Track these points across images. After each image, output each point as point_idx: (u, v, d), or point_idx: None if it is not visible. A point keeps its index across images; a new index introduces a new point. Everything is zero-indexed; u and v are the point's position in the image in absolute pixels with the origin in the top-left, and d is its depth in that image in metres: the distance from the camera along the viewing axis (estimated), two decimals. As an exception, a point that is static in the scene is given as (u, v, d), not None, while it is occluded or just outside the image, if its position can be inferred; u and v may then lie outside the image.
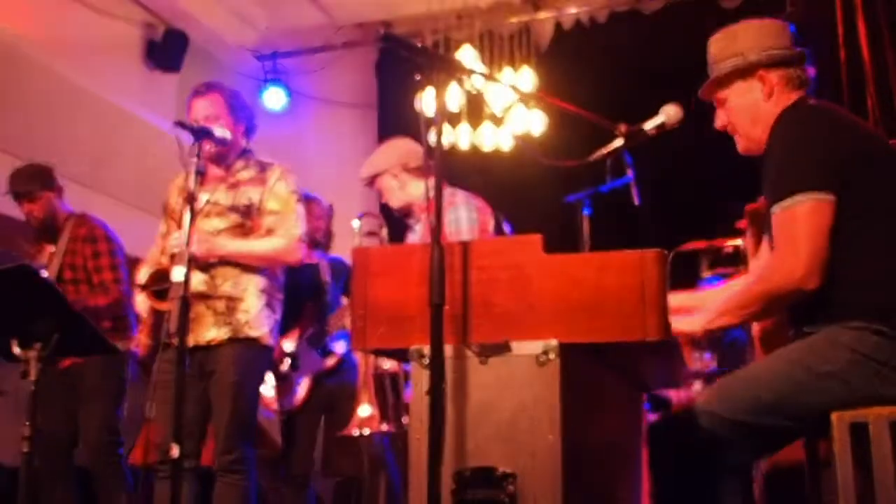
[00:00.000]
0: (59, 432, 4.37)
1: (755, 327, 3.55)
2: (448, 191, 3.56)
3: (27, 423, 2.86)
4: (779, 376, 2.26)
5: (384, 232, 4.07)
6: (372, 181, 3.89)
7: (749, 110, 2.50)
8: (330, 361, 4.54)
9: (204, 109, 3.55)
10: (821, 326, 2.27)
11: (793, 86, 2.47)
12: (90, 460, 4.40)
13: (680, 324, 2.32)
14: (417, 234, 3.78)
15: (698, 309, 2.51)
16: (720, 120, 2.58)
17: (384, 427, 3.84)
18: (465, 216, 3.58)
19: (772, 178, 2.32)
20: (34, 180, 4.43)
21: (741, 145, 2.57)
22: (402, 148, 3.91)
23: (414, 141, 3.95)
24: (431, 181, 3.66)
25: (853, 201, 2.24)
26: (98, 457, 4.35)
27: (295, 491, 4.65)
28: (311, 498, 4.69)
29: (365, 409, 3.90)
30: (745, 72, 2.48)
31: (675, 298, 2.38)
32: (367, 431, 3.88)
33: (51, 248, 4.50)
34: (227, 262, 3.51)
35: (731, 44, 2.51)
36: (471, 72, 2.42)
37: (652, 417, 3.28)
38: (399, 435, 4.06)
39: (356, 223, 4.06)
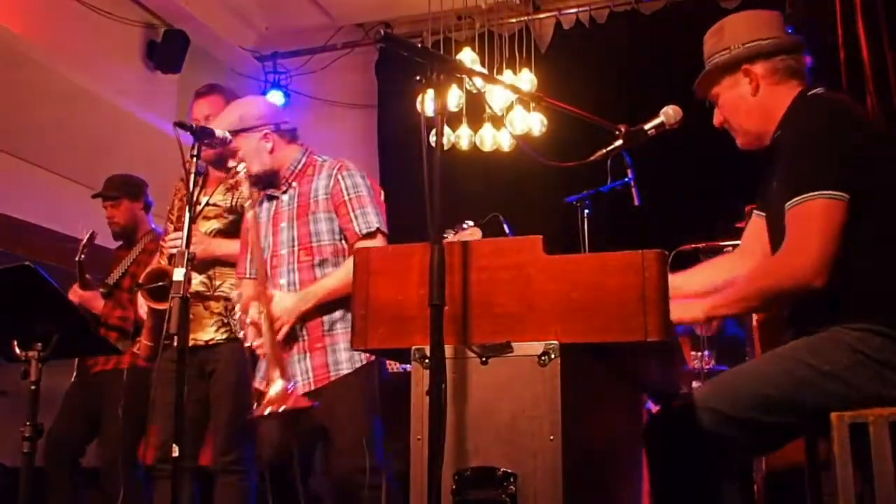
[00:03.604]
0: (71, 435, 4.47)
1: (755, 323, 3.55)
2: (325, 157, 3.38)
3: (28, 423, 2.86)
4: (781, 373, 2.24)
5: (257, 198, 3.37)
6: (230, 138, 3.17)
7: (739, 105, 2.49)
8: None
9: (205, 110, 3.58)
10: (823, 326, 2.26)
11: (782, 76, 2.43)
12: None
13: (681, 312, 2.31)
14: (285, 203, 3.35)
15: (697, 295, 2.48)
16: (717, 118, 2.57)
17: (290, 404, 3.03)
18: (362, 182, 3.29)
19: (787, 173, 2.30)
20: (120, 188, 4.66)
21: (740, 141, 2.56)
22: (273, 106, 3.55)
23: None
24: (302, 147, 3.37)
25: (859, 202, 2.22)
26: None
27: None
28: None
29: (277, 385, 3.08)
30: (730, 67, 2.47)
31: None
32: (281, 409, 3.07)
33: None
34: (225, 263, 3.50)
35: (720, 39, 2.50)
36: (471, 72, 2.42)
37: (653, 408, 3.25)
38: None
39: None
